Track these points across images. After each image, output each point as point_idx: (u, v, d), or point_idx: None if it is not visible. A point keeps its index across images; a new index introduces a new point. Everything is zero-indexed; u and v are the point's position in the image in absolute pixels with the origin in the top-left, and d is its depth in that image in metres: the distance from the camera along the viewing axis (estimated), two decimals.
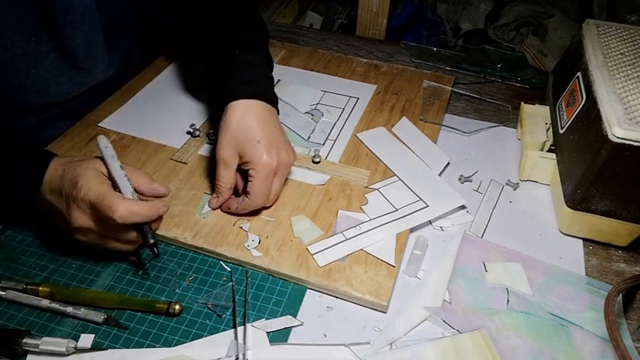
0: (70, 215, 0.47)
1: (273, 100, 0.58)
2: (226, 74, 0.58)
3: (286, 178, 0.60)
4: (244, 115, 0.54)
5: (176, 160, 0.63)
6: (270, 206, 0.57)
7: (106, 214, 0.45)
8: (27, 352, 0.44)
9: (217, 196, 0.56)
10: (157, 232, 0.53)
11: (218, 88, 0.59)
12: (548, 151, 0.63)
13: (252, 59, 0.60)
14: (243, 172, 0.55)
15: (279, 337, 0.46)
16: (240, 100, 0.55)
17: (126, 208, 0.45)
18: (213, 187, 0.57)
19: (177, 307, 0.47)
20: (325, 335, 0.47)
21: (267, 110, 0.56)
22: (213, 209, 0.57)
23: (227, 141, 0.54)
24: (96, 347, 0.45)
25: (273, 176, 0.54)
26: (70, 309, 0.47)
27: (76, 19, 0.59)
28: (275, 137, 0.55)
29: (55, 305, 0.47)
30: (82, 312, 0.46)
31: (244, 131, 0.53)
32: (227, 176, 0.55)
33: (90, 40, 0.63)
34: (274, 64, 0.80)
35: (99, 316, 0.46)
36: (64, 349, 0.43)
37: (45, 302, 0.47)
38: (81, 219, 0.47)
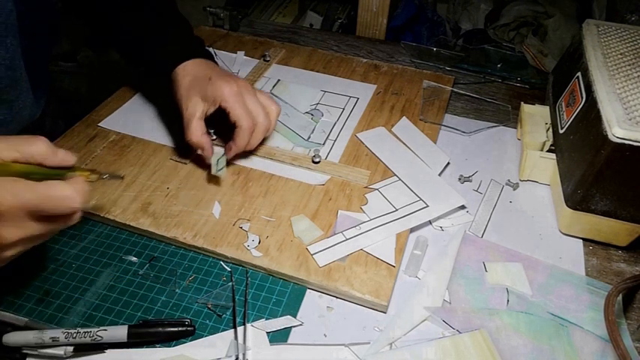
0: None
1: (206, 56, 0.61)
2: (154, 61, 0.61)
3: (288, 180, 0.60)
4: (186, 72, 0.58)
5: (176, 160, 0.63)
6: (264, 141, 0.61)
7: (60, 206, 0.37)
8: (26, 356, 0.44)
9: (202, 151, 0.57)
10: (157, 232, 0.54)
11: (155, 77, 0.62)
12: (548, 151, 0.63)
13: (171, 34, 0.62)
14: (223, 126, 0.57)
15: (279, 337, 0.46)
16: (177, 68, 0.58)
17: (81, 189, 0.38)
18: (213, 186, 0.57)
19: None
20: (325, 335, 0.47)
21: (204, 61, 0.60)
22: (229, 157, 0.59)
23: (185, 96, 0.56)
24: (96, 347, 0.44)
25: (242, 97, 0.55)
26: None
27: None
28: (222, 72, 0.58)
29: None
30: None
31: (194, 79, 0.57)
32: (197, 125, 0.56)
33: (14, 60, 0.52)
34: (274, 64, 0.81)
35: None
36: (62, 353, 0.43)
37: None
38: (15, 233, 0.37)
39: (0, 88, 0.53)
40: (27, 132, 0.64)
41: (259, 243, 0.53)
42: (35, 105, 0.61)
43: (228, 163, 0.61)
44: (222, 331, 0.47)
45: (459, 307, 0.49)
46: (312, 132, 0.68)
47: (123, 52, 0.66)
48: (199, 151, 0.57)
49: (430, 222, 0.57)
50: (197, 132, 0.56)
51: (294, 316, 0.48)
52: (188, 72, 0.58)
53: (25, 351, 0.43)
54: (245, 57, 0.83)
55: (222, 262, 0.53)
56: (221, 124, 0.58)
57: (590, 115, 0.52)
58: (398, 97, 0.75)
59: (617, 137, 0.47)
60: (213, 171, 0.57)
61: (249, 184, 0.60)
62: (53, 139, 0.65)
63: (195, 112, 0.55)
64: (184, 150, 0.63)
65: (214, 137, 0.63)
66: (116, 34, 0.64)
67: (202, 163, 0.61)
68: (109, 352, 0.44)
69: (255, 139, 0.57)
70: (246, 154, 0.63)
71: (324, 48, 0.89)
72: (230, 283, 0.51)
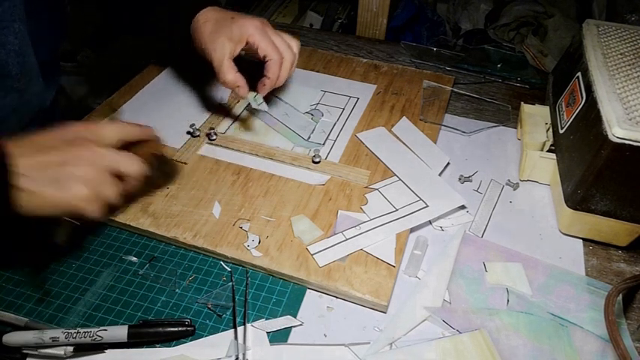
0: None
1: (222, 6, 0.63)
2: (171, 18, 0.62)
3: (288, 180, 0.60)
4: (207, 19, 0.58)
5: (176, 160, 0.63)
6: (287, 81, 0.64)
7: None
8: (26, 356, 0.44)
9: (239, 89, 0.58)
10: (157, 232, 0.54)
11: (178, 36, 0.63)
12: (548, 151, 0.63)
13: None
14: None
15: (279, 337, 0.46)
16: (196, 16, 0.59)
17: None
18: (213, 186, 0.57)
19: None
20: (325, 335, 0.47)
21: (221, 8, 0.61)
22: (262, 94, 0.61)
23: (210, 41, 0.57)
24: (96, 347, 0.44)
25: (266, 32, 0.58)
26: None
27: (4, 15, 0.47)
28: (242, 15, 0.60)
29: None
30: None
31: (217, 23, 0.58)
32: (229, 65, 0.57)
33: (23, 47, 0.51)
34: None
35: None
36: (62, 353, 0.43)
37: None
38: None
39: (11, 76, 0.51)
40: (36, 124, 0.64)
41: (259, 243, 0.53)
42: (45, 93, 0.61)
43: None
44: (222, 331, 0.47)
45: (459, 307, 0.49)
46: (312, 132, 0.68)
47: (138, 26, 0.67)
48: (235, 90, 0.59)
49: (430, 222, 0.57)
50: (231, 71, 0.57)
51: (294, 316, 0.48)
52: (209, 18, 0.59)
53: (25, 351, 0.43)
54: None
55: (222, 262, 0.53)
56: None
57: (590, 115, 0.52)
58: (398, 97, 0.75)
59: (617, 137, 0.47)
60: (254, 105, 0.59)
61: (249, 184, 0.60)
62: None
63: (225, 53, 0.56)
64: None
65: (197, 134, 0.65)
66: (129, 9, 0.65)
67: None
68: (109, 352, 0.44)
69: (284, 71, 0.59)
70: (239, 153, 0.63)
71: (324, 48, 0.89)
72: (230, 283, 0.51)
